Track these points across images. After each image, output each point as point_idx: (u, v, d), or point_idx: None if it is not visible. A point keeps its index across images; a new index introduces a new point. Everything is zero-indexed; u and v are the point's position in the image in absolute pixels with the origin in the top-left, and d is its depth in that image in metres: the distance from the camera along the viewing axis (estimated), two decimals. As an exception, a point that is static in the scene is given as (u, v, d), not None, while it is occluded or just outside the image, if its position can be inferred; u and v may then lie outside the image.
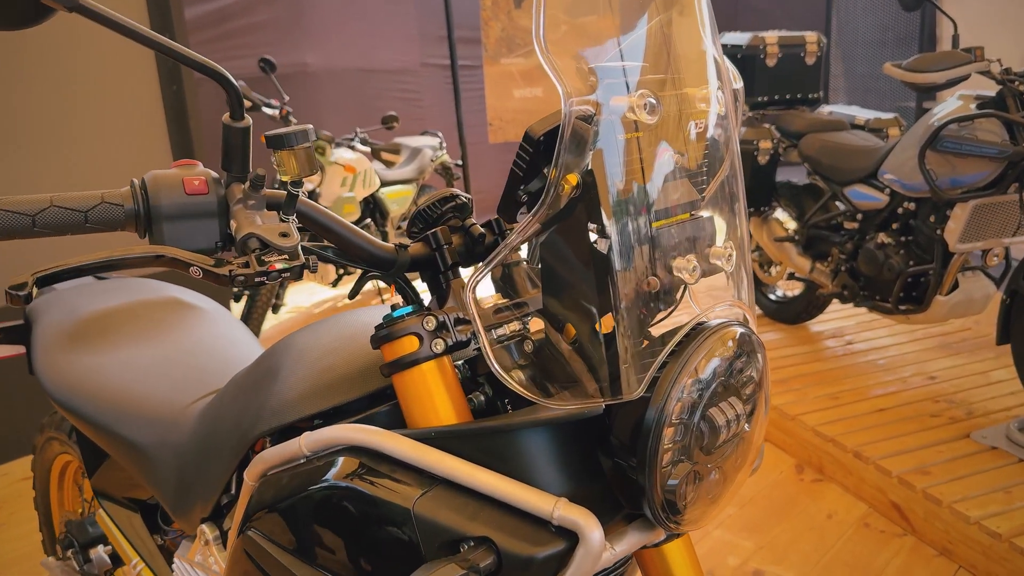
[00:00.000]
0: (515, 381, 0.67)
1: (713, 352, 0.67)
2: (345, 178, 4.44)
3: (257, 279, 0.69)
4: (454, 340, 0.76)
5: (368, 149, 4.68)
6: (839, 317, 3.98)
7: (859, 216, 3.19)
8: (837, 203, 3.32)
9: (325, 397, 0.86)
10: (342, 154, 4.44)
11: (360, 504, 0.71)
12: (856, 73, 6.86)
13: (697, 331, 0.67)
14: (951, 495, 2.39)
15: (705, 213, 0.68)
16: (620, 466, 0.68)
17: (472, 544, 0.65)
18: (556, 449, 0.71)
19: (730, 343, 0.68)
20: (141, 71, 3.62)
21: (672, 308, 0.67)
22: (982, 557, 2.25)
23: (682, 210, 0.67)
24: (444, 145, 5.34)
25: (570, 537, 0.64)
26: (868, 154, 3.14)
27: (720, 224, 0.69)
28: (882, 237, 3.06)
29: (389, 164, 4.92)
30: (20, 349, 1.85)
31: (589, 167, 0.62)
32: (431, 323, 0.76)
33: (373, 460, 0.72)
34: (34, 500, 1.93)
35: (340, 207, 4.46)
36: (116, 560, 1.67)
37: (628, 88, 0.63)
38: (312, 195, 4.35)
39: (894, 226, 3.05)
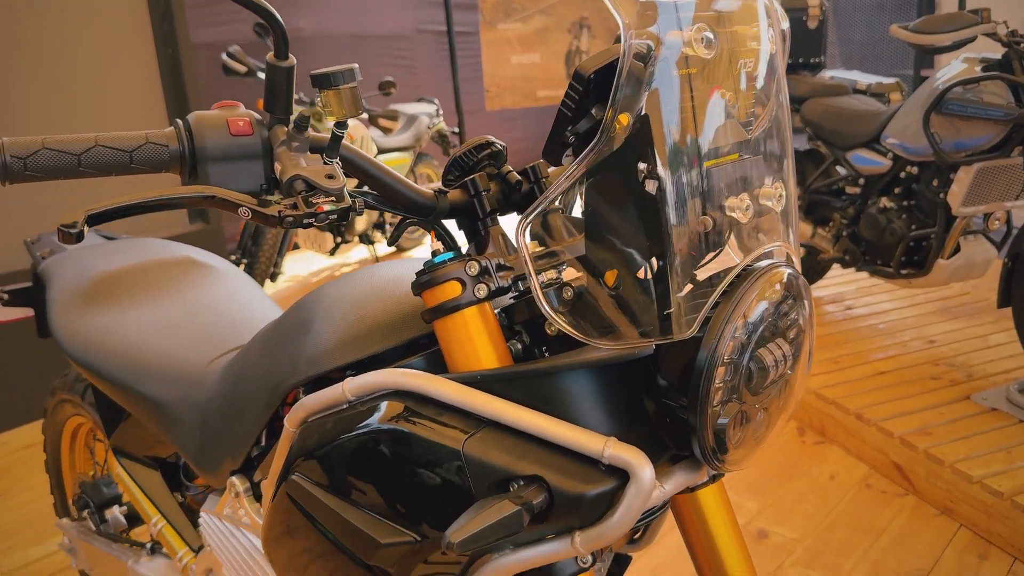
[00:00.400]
0: (565, 323, 0.67)
1: (763, 293, 0.67)
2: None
3: (305, 220, 0.68)
4: (496, 286, 0.76)
5: (365, 116, 4.64)
6: (839, 282, 3.99)
7: (861, 181, 3.19)
8: (839, 168, 3.32)
9: (361, 346, 0.85)
10: (339, 121, 4.40)
11: (407, 446, 0.71)
12: (853, 40, 6.83)
13: (747, 272, 0.67)
14: (953, 455, 2.42)
15: (755, 153, 0.68)
16: (668, 407, 0.69)
17: (523, 483, 0.66)
18: (601, 392, 0.71)
19: (778, 285, 0.68)
20: (137, 35, 3.56)
21: (722, 248, 0.67)
22: (984, 516, 2.28)
23: (732, 150, 0.66)
24: (441, 112, 5.30)
25: (620, 476, 0.65)
26: (870, 118, 3.14)
27: (769, 164, 0.69)
28: (884, 201, 3.06)
29: (386, 131, 4.89)
30: (28, 312, 1.84)
31: (643, 105, 0.61)
32: (474, 268, 0.75)
33: (418, 404, 0.72)
34: (45, 463, 1.93)
35: (337, 174, 4.43)
36: (132, 520, 1.67)
37: (682, 23, 0.62)
38: (309, 162, 4.32)
39: (896, 190, 3.06)
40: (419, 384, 0.72)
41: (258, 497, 1.02)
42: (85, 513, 1.65)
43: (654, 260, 0.63)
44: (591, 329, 0.69)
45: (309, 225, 0.69)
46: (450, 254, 0.77)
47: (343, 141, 0.74)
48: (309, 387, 0.94)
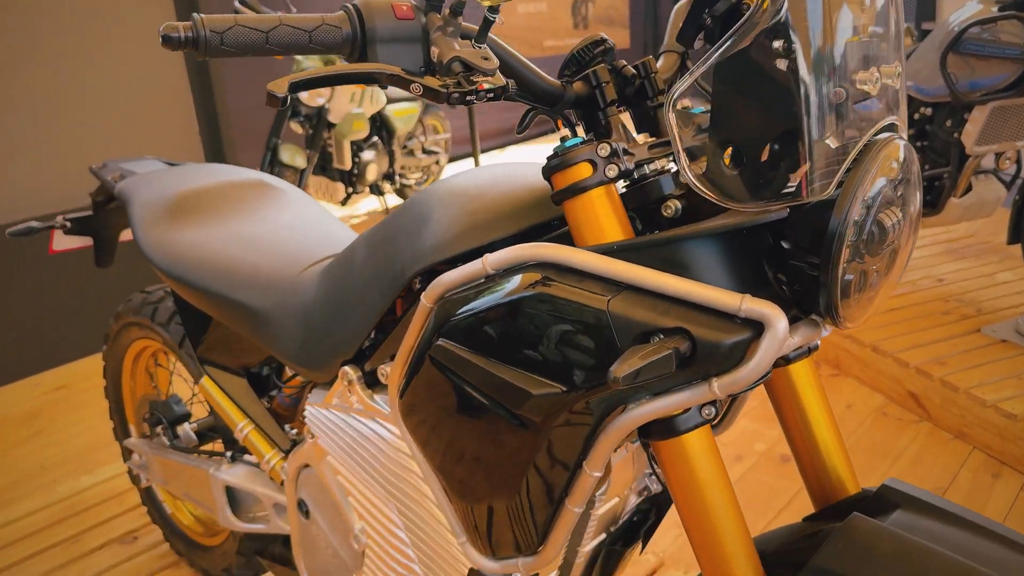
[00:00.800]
0: (708, 188, 0.73)
1: (886, 161, 0.74)
2: (354, 94, 4.41)
3: (468, 97, 0.74)
4: (624, 167, 0.82)
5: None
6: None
7: (875, 123, 3.25)
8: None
9: (482, 233, 0.92)
10: (350, 69, 4.40)
11: (552, 309, 0.77)
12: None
13: (871, 142, 0.74)
14: (967, 382, 2.52)
15: (878, 32, 0.74)
16: (795, 268, 0.76)
17: (664, 336, 0.73)
18: (729, 258, 0.78)
19: (897, 155, 0.75)
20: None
21: (851, 119, 0.73)
22: (997, 438, 2.39)
23: (860, 29, 0.73)
24: (447, 63, 5.30)
25: (756, 328, 0.72)
26: (885, 61, 3.19)
27: (889, 43, 0.75)
28: (898, 143, 3.13)
29: (398, 79, 4.88)
30: (87, 241, 1.89)
31: None
32: (605, 150, 0.82)
33: (558, 273, 0.79)
34: (105, 389, 1.99)
35: (349, 124, 4.45)
36: (202, 437, 1.74)
37: None
38: (321, 111, 4.34)
39: (910, 132, 3.13)
40: (560, 255, 0.79)
41: (370, 384, 1.09)
42: (158, 429, 1.72)
43: (791, 131, 0.69)
44: (731, 194, 0.74)
45: (471, 102, 0.75)
46: (580, 139, 0.83)
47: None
48: (425, 277, 1.00)
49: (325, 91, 4.22)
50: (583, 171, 0.82)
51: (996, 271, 3.40)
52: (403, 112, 4.93)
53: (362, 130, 4.51)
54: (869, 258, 0.76)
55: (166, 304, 1.71)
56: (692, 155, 0.74)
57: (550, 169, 0.84)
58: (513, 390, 0.80)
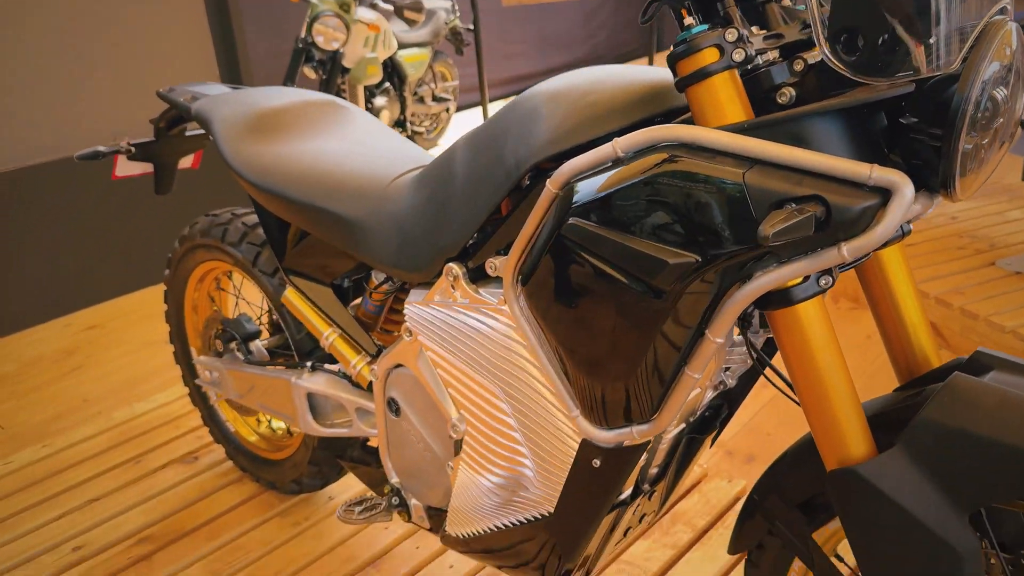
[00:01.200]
0: (840, 62, 0.80)
1: (1003, 41, 0.80)
2: (368, 37, 4.42)
3: None
4: (749, 53, 0.88)
5: (390, 7, 4.64)
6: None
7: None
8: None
9: (601, 124, 0.98)
10: (364, 13, 4.41)
11: (687, 185, 0.84)
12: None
13: (991, 22, 0.81)
14: (985, 311, 2.62)
15: None
16: (916, 142, 0.82)
17: (799, 204, 0.80)
18: (852, 134, 0.84)
19: (1011, 38, 0.82)
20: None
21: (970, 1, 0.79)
22: (1015, 361, 2.49)
23: None
24: (457, 9, 5.29)
25: (884, 195, 0.79)
26: None
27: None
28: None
29: (412, 23, 4.89)
30: (148, 167, 1.94)
31: None
32: (732, 35, 0.88)
33: (690, 153, 0.85)
34: (166, 313, 2.05)
35: (364, 68, 4.46)
36: (273, 353, 1.81)
37: None
38: (336, 55, 4.34)
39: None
40: (695, 135, 0.85)
41: (473, 279, 1.16)
42: (232, 346, 1.79)
43: (921, 6, 0.76)
44: (863, 69, 0.80)
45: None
46: (704, 26, 0.89)
47: None
48: (535, 173, 1.07)
49: (340, 35, 4.22)
50: (710, 56, 0.88)
51: (1007, 209, 3.50)
52: (414, 58, 4.94)
53: (376, 75, 4.52)
54: (982, 133, 0.82)
55: (236, 225, 1.76)
56: (827, 30, 0.80)
57: (676, 56, 0.90)
58: (648, 261, 0.87)
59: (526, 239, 1.00)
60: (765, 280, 0.84)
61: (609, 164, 0.91)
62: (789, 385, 1.06)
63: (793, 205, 0.80)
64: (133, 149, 1.87)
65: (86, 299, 3.49)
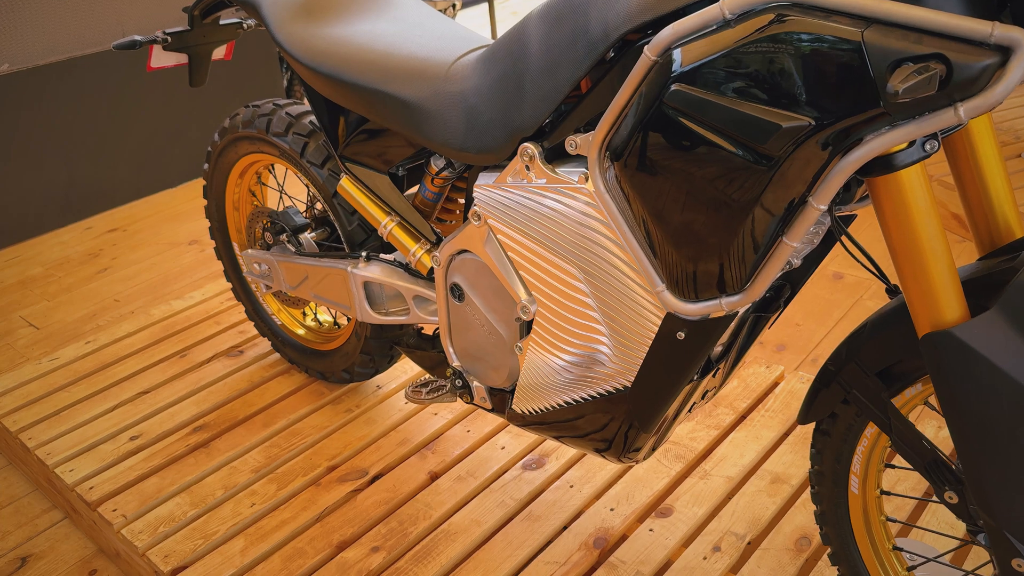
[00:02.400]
0: None
1: None
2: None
3: None
4: None
5: None
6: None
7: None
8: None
9: None
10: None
11: (802, 45, 0.83)
12: None
13: None
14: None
15: None
16: None
17: (917, 64, 0.79)
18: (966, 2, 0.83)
19: None
20: None
21: None
22: (1041, 250, 2.52)
23: None
24: None
25: (1004, 54, 0.79)
26: None
27: None
28: None
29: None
30: (183, 59, 1.90)
31: None
32: None
33: (804, 12, 0.84)
34: (206, 208, 2.05)
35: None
36: (321, 246, 1.82)
37: None
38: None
39: None
40: None
41: (550, 159, 1.16)
42: (282, 238, 1.79)
43: None
44: None
45: None
46: None
47: None
48: (618, 46, 1.05)
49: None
50: None
51: (1031, 101, 3.46)
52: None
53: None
54: None
55: (280, 115, 1.74)
56: None
57: None
58: (759, 125, 0.87)
59: (617, 111, 0.99)
60: (876, 144, 0.84)
61: (714, 27, 0.90)
62: (868, 258, 1.08)
63: (912, 64, 0.80)
64: (169, 39, 1.83)
65: (104, 202, 3.47)
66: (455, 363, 1.50)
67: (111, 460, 1.85)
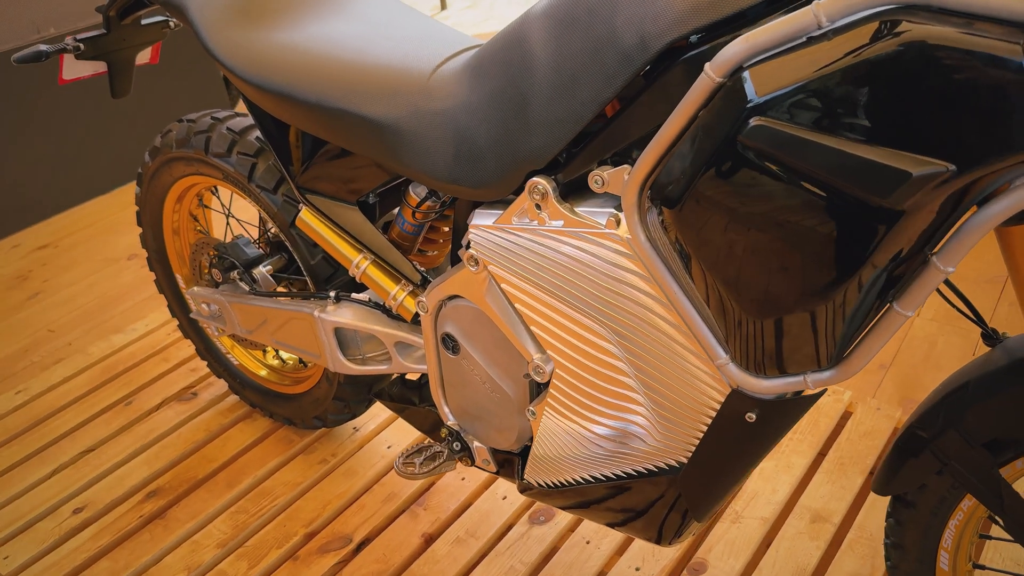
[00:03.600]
0: None
1: None
2: None
3: None
4: None
5: None
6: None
7: None
8: None
9: None
10: None
11: (937, 66, 0.61)
12: None
13: None
14: None
15: None
16: None
17: None
18: None
19: None
20: None
21: None
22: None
23: None
24: None
25: None
26: None
27: None
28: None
29: None
30: (101, 67, 1.62)
31: None
32: None
33: (933, 19, 0.62)
34: (141, 236, 1.78)
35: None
36: (278, 279, 1.57)
37: None
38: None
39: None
40: None
41: (565, 195, 0.93)
42: (233, 275, 1.54)
43: None
44: None
45: None
46: None
47: None
48: (655, 67, 0.82)
49: None
50: None
51: None
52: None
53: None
54: None
55: (220, 132, 1.48)
56: None
57: None
58: (881, 173, 0.65)
59: (665, 145, 0.76)
60: None
61: (804, 40, 0.67)
62: (965, 302, 0.87)
63: None
64: (83, 46, 1.54)
65: (31, 215, 3.15)
66: (450, 421, 1.28)
67: (53, 541, 1.60)
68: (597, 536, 1.48)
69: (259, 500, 1.64)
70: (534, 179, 0.93)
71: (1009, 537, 1.35)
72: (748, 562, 1.41)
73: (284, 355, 1.82)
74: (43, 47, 1.50)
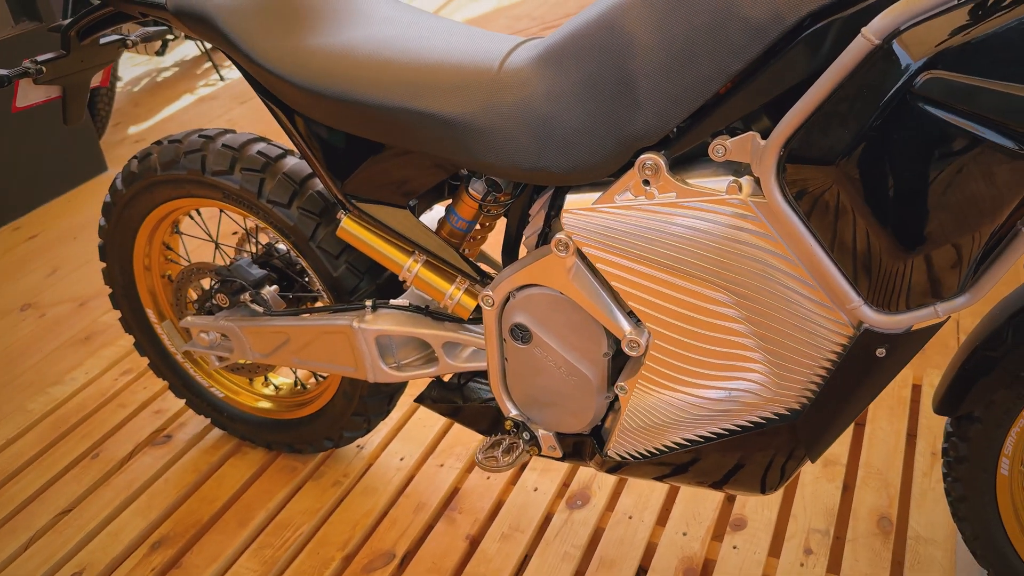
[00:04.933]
0: None
1: None
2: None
3: None
4: None
5: None
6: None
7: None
8: None
9: None
10: None
11: None
12: None
13: None
14: None
15: None
16: None
17: None
18: None
19: None
20: None
21: None
22: None
23: None
24: None
25: None
26: None
27: None
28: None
29: None
30: (54, 91, 1.52)
31: None
32: None
33: None
34: (105, 272, 1.65)
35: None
36: (285, 300, 1.52)
37: None
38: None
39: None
40: None
41: (673, 168, 0.97)
42: (244, 296, 1.47)
43: None
44: None
45: None
46: None
47: None
48: (757, 62, 0.88)
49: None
50: None
51: None
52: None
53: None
54: None
55: (216, 149, 1.41)
56: None
57: None
58: None
59: (815, 106, 0.83)
60: None
61: (955, 3, 0.76)
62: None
63: None
64: (44, 69, 1.43)
65: None
66: (512, 413, 1.29)
67: (55, 612, 1.45)
68: (638, 510, 1.53)
69: (281, 532, 1.56)
70: (644, 155, 0.98)
71: None
72: (780, 511, 1.51)
73: (278, 382, 1.75)
74: (3, 71, 1.38)
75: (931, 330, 0.95)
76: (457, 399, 1.39)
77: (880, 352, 0.95)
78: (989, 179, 0.80)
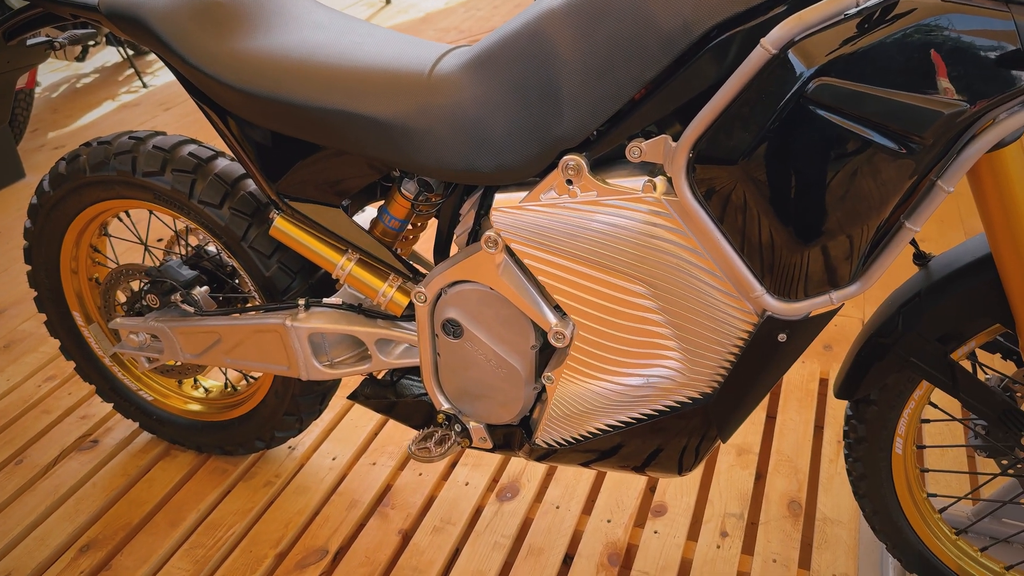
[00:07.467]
0: None
1: None
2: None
3: None
4: None
5: None
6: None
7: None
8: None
9: None
10: None
11: (950, 30, 0.81)
12: None
13: None
14: None
15: None
16: None
17: None
18: None
19: None
20: None
21: None
22: None
23: None
24: None
25: None
26: None
27: None
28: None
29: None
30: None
31: None
32: None
33: None
34: (29, 275, 1.63)
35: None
36: (215, 301, 1.53)
37: None
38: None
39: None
40: None
41: (594, 170, 1.04)
42: (175, 297, 1.48)
43: None
44: None
45: None
46: None
47: None
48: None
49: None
50: None
51: None
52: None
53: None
54: None
55: (147, 150, 1.42)
56: None
57: None
58: (920, 114, 0.84)
59: (719, 110, 0.91)
60: (1012, 122, 0.85)
61: (841, 17, 0.85)
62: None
63: None
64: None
65: None
66: (444, 406, 1.34)
67: (-22, 619, 1.43)
68: (564, 500, 1.59)
69: (212, 532, 1.57)
70: (567, 157, 1.04)
71: (943, 417, 1.61)
72: (698, 497, 1.60)
73: (208, 384, 1.75)
74: (-72, 73, 1.37)
75: (827, 316, 1.03)
76: (390, 395, 1.43)
77: (782, 337, 1.04)
78: (875, 177, 0.89)
